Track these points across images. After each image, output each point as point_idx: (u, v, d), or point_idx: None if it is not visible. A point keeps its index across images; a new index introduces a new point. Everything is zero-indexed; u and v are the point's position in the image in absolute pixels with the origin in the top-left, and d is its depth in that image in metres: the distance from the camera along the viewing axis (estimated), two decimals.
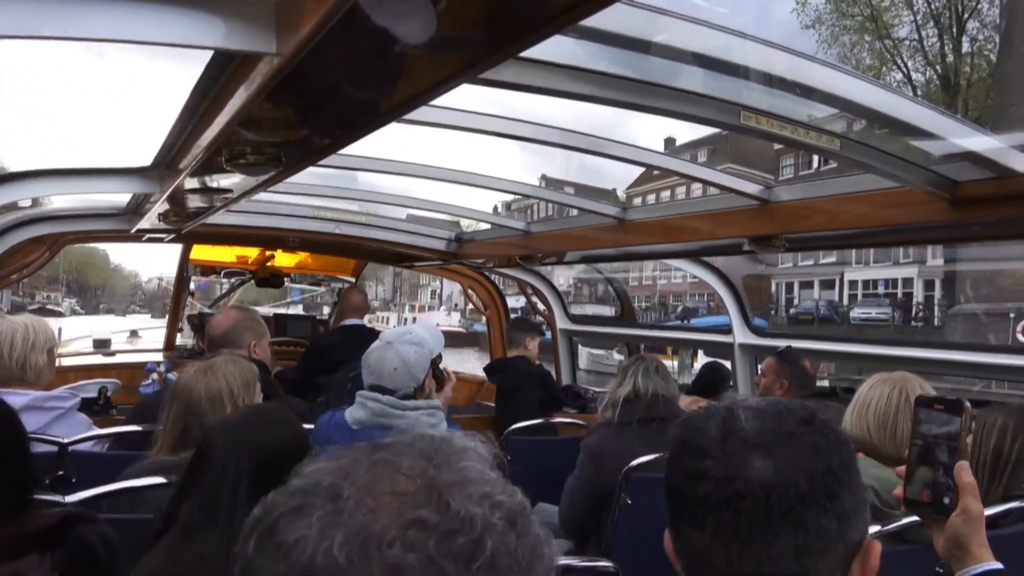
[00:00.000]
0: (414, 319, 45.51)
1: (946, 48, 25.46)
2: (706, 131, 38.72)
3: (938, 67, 25.78)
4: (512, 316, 5.65)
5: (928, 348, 3.58)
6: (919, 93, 25.19)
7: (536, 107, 2.39)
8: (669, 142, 49.07)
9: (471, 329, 43.30)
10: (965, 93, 24.93)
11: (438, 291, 69.07)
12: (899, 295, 35.66)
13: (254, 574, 0.53)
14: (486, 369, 4.98)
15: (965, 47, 25.42)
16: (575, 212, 4.00)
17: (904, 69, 26.32)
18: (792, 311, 36.37)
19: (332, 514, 0.52)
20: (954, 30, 25.38)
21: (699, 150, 47.30)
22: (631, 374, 2.96)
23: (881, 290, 37.66)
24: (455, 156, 3.52)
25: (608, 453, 2.80)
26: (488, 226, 4.79)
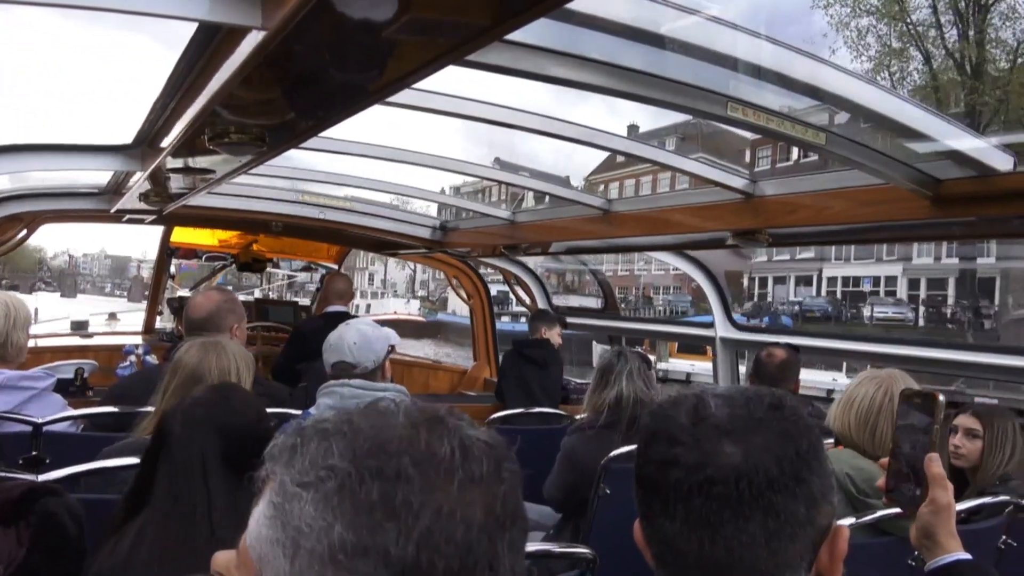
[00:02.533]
0: (367, 307, 42.05)
1: (969, 34, 24.35)
2: (671, 119, 37.87)
3: (956, 55, 24.72)
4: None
5: (915, 347, 3.60)
6: (938, 79, 24.49)
7: (477, 92, 2.31)
8: (632, 129, 46.16)
9: (431, 319, 41.56)
10: (985, 81, 23.82)
11: (381, 276, 59.92)
12: (944, 295, 33.33)
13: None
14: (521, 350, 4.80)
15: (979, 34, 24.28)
16: (530, 199, 4.02)
17: (923, 53, 25.20)
18: (801, 308, 34.72)
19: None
20: (973, 15, 24.32)
21: (667, 138, 44.03)
22: (616, 378, 2.91)
23: (867, 287, 36.53)
24: (398, 139, 3.35)
25: (584, 458, 2.79)
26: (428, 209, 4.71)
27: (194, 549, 1.33)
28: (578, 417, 3.46)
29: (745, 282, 41.42)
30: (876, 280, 36.43)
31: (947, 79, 24.97)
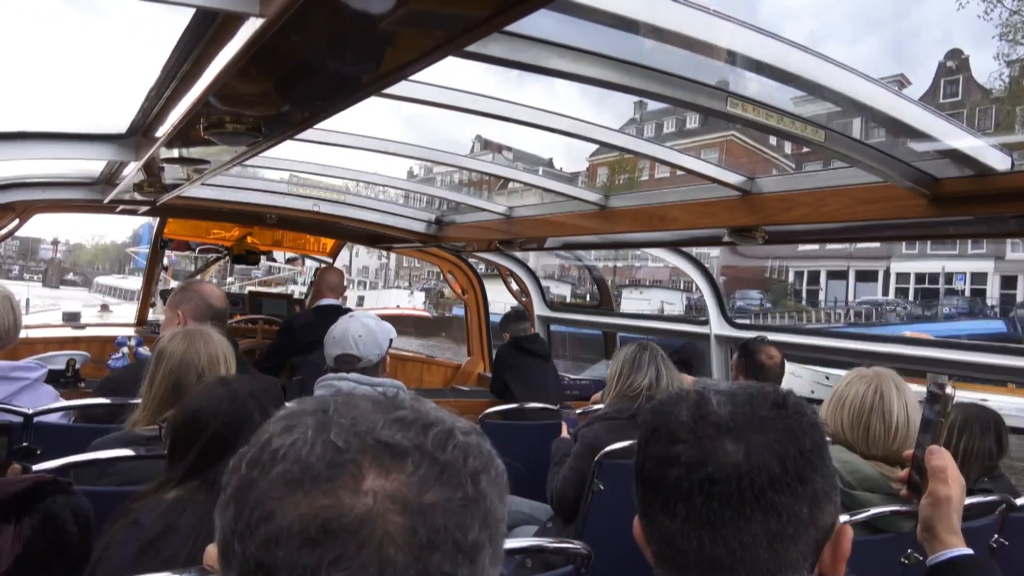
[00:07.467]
0: (359, 299, 37.66)
1: None
2: None
3: None
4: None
5: (910, 345, 3.60)
6: None
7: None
8: (640, 105, 45.53)
9: (435, 315, 38.58)
10: None
11: (345, 261, 50.34)
12: None
13: (249, 487, 0.57)
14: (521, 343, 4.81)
15: None
16: (515, 183, 3.95)
17: None
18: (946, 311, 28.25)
19: (322, 420, 0.58)
20: None
21: (688, 114, 42.56)
22: (649, 364, 2.86)
23: (959, 285, 30.73)
24: (346, 126, 3.25)
25: (604, 447, 2.75)
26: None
27: None
28: (595, 407, 3.41)
29: (791, 277, 36.47)
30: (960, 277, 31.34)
31: None
